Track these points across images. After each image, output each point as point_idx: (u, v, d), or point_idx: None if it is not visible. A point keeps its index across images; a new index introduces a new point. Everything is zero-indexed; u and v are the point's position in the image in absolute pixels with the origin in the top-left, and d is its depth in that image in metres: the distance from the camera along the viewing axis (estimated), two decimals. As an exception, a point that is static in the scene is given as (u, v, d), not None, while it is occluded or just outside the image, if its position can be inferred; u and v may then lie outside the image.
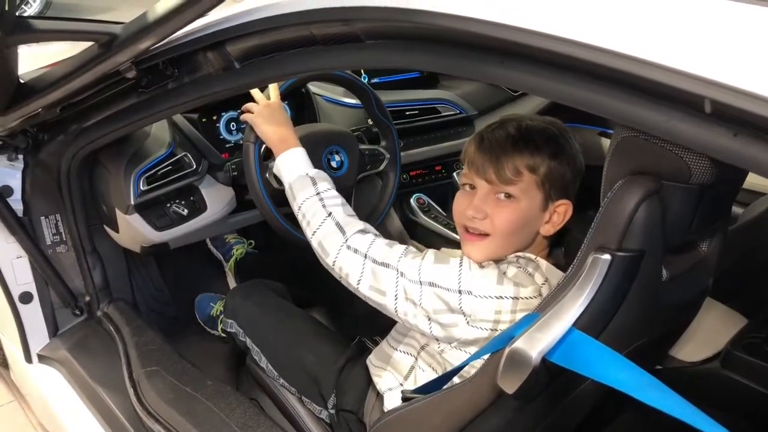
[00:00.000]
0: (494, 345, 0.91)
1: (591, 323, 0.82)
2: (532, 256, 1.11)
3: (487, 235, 1.11)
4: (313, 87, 1.87)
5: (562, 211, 1.12)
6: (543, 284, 1.06)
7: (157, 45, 1.15)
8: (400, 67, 0.92)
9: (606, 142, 2.34)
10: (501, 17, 0.74)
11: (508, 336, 0.87)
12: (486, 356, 0.93)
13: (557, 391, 0.95)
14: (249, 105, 1.46)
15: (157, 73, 1.27)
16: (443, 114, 2.02)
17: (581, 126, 2.42)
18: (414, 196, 2.04)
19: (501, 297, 1.02)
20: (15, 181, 1.66)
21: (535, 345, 0.80)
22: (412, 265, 1.10)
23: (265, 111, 1.43)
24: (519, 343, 0.82)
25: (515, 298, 1.02)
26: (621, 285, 0.82)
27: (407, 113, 1.94)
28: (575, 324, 0.80)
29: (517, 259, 1.11)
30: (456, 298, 1.04)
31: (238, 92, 1.23)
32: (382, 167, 1.65)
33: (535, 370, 0.80)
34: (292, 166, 1.34)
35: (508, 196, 1.10)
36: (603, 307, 0.82)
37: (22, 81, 1.32)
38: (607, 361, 0.78)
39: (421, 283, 1.08)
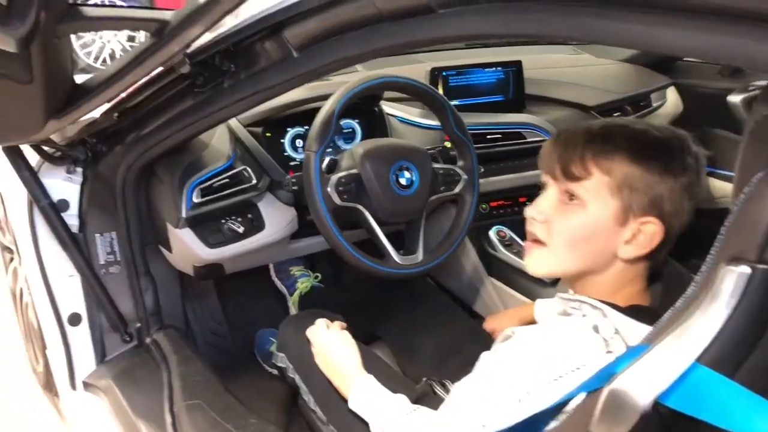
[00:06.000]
0: (590, 383, 0.71)
1: (722, 357, 0.61)
2: (597, 303, 0.89)
3: (543, 244, 0.94)
4: (387, 107, 1.73)
5: (649, 232, 0.90)
6: (612, 337, 0.85)
7: (209, 30, 1.05)
8: (479, 37, 0.78)
9: (715, 183, 2.12)
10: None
11: (608, 373, 0.68)
12: (581, 396, 0.73)
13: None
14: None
15: (213, 69, 1.18)
16: (529, 140, 1.82)
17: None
18: (494, 228, 1.83)
19: (561, 377, 0.82)
20: (72, 195, 1.60)
21: (644, 384, 0.62)
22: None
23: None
24: (622, 382, 0.64)
25: (577, 368, 0.83)
26: (765, 307, 0.61)
27: (489, 137, 1.76)
28: (700, 358, 0.61)
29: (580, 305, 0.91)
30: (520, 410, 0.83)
31: (296, 85, 1.11)
32: (457, 189, 1.47)
33: (645, 417, 0.62)
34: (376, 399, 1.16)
35: (573, 197, 0.91)
36: (739, 336, 0.62)
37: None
38: (747, 408, 0.58)
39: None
